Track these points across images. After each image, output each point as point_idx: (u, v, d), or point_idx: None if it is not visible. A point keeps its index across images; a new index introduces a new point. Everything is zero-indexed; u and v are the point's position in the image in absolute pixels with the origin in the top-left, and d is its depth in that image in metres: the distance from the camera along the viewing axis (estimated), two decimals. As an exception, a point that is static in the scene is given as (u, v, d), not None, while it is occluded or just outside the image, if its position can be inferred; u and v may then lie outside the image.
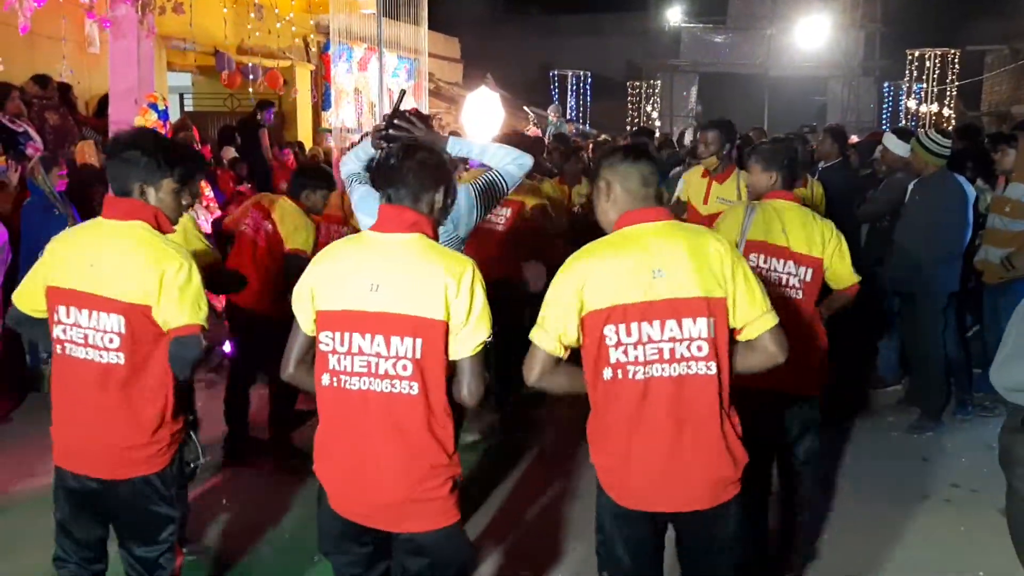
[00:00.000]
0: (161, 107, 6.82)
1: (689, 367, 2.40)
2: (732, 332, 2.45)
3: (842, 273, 3.59)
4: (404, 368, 2.38)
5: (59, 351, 2.73)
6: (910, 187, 5.57)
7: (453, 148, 3.34)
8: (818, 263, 3.51)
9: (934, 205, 5.34)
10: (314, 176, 5.14)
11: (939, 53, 23.29)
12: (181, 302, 2.62)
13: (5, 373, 5.61)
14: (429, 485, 2.42)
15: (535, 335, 2.49)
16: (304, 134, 13.45)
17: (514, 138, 5.23)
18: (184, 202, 2.86)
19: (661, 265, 2.40)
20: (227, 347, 5.04)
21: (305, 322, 2.51)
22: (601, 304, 2.41)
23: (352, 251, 2.50)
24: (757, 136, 10.85)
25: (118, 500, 2.77)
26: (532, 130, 15.50)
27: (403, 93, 3.55)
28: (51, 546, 3.93)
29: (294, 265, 4.79)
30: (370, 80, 13.98)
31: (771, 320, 2.46)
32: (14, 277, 4.97)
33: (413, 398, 2.39)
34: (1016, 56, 21.41)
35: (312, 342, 2.50)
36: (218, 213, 7.25)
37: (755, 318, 2.44)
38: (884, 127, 22.69)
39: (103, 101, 8.36)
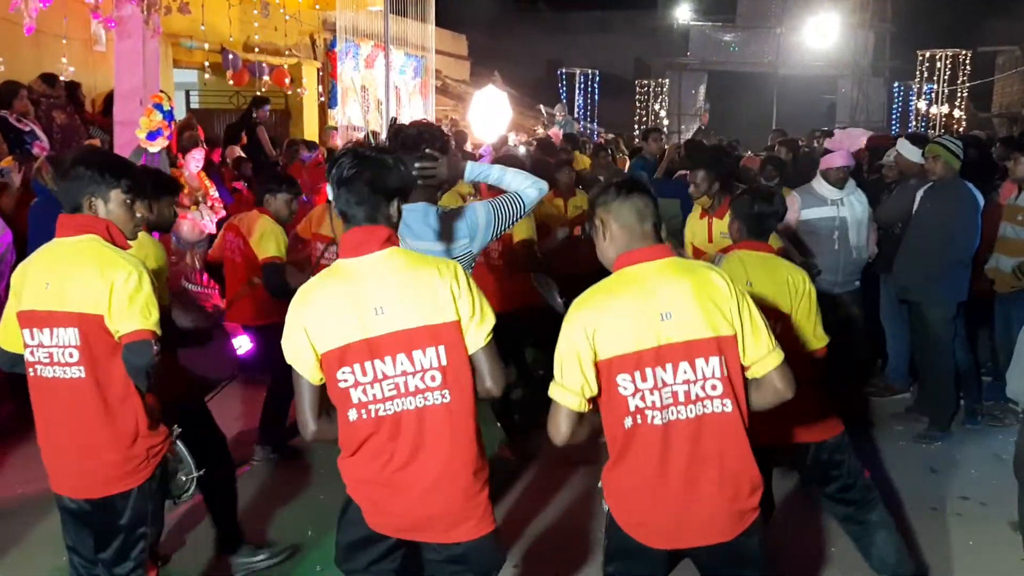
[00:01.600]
0: (166, 107, 6.79)
1: (705, 406, 2.39)
2: (744, 369, 2.44)
3: (806, 333, 3.36)
4: (433, 379, 2.38)
5: (31, 374, 2.76)
6: (919, 194, 5.51)
7: (471, 174, 3.24)
8: (786, 318, 3.32)
9: (947, 212, 5.27)
10: (270, 180, 5.14)
11: (950, 54, 23.15)
12: (130, 309, 2.64)
13: (4, 376, 5.58)
14: (472, 492, 2.44)
15: (556, 393, 2.43)
16: (311, 132, 13.43)
17: (506, 159, 5.16)
18: (138, 214, 2.86)
19: (668, 308, 2.37)
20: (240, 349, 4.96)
21: (310, 371, 2.41)
22: (613, 352, 2.38)
23: (333, 286, 2.42)
24: (775, 139, 10.76)
25: (102, 517, 2.78)
26: (553, 131, 15.37)
27: (394, 122, 3.45)
28: (54, 549, 3.94)
29: (269, 275, 4.79)
30: (377, 77, 13.97)
31: (777, 358, 2.45)
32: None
33: (447, 406, 2.40)
34: (1027, 57, 21.29)
35: (322, 390, 2.44)
36: (223, 213, 7.24)
37: (761, 357, 2.43)
38: (894, 127, 22.62)
39: (109, 99, 8.34)
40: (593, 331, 2.38)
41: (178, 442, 2.88)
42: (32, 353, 2.73)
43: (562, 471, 4.81)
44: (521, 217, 3.28)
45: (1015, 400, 3.87)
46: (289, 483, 4.72)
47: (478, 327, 2.42)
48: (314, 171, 8.92)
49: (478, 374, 2.44)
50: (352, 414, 2.40)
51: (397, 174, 2.47)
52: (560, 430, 2.42)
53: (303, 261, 5.46)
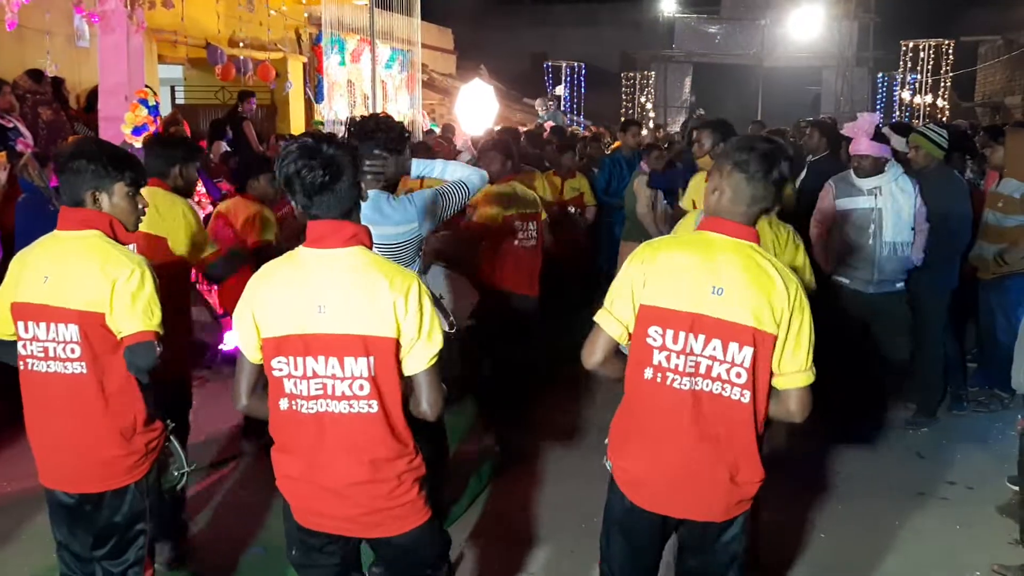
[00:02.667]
0: (151, 103, 6.76)
1: (725, 389, 2.41)
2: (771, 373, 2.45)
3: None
4: (360, 388, 2.34)
5: (23, 367, 2.73)
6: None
7: (416, 170, 3.46)
8: None
9: (939, 200, 5.27)
10: (250, 163, 5.12)
11: (933, 44, 23.27)
12: (132, 309, 2.61)
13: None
14: (397, 493, 2.42)
15: (601, 318, 2.50)
16: (297, 127, 13.37)
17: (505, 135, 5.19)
18: (140, 205, 2.82)
19: (723, 284, 2.38)
20: (226, 345, 4.99)
21: (251, 351, 2.43)
22: (653, 301, 2.43)
23: (290, 273, 2.40)
24: (755, 131, 10.84)
25: (98, 513, 2.76)
26: (548, 124, 15.33)
27: (350, 121, 3.50)
28: (46, 546, 3.92)
29: (264, 257, 4.75)
30: (363, 72, 13.90)
31: (805, 379, 2.44)
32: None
33: (373, 416, 2.36)
34: (1010, 47, 21.42)
35: (260, 370, 2.44)
36: (209, 208, 7.21)
37: (792, 371, 2.43)
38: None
39: (92, 95, 8.29)
40: (648, 274, 2.43)
41: (171, 436, 2.86)
42: (25, 347, 2.70)
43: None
44: (466, 202, 3.57)
45: (1021, 392, 3.90)
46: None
47: (422, 349, 2.36)
48: None
49: (414, 395, 2.41)
50: (283, 403, 2.40)
51: (355, 159, 2.42)
52: (595, 354, 2.49)
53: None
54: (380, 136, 3.34)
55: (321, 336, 2.33)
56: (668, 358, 2.41)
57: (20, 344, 2.71)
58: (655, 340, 2.42)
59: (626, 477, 2.55)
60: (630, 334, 2.47)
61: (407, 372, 2.38)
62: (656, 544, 2.62)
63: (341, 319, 2.32)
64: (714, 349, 2.39)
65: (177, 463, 2.90)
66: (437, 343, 2.39)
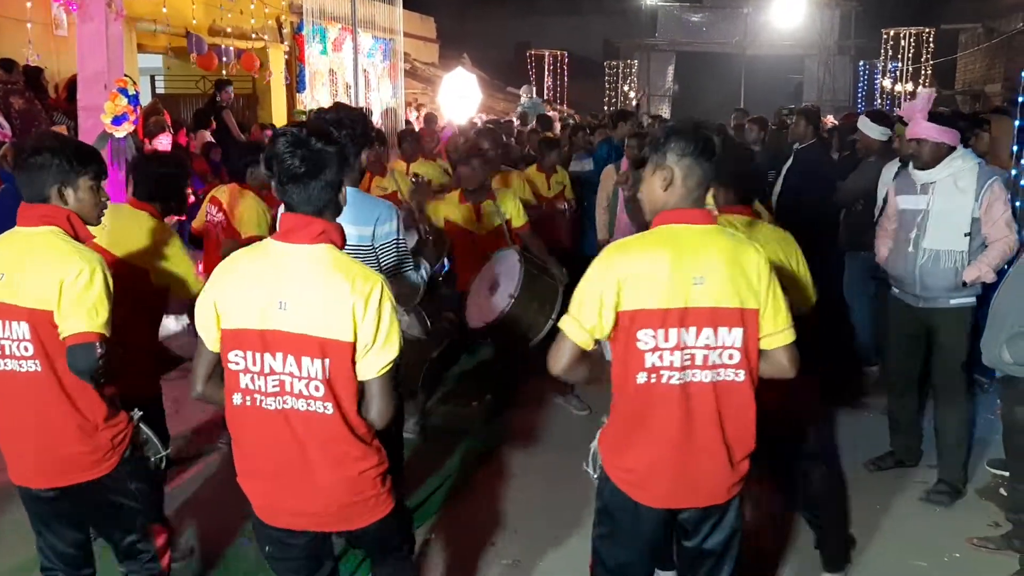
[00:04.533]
0: (131, 92, 6.67)
1: (719, 374, 2.44)
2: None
3: (796, 293, 3.26)
4: (316, 388, 2.31)
5: None
6: (894, 171, 5.53)
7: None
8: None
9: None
10: (250, 151, 5.10)
11: (914, 32, 23.43)
12: (77, 309, 2.56)
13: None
14: (359, 488, 2.42)
15: (566, 325, 2.47)
16: (279, 117, 13.29)
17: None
18: (103, 198, 2.80)
19: (702, 272, 2.39)
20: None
21: (210, 340, 2.39)
22: (638, 305, 2.40)
23: (256, 265, 2.36)
24: (739, 118, 10.88)
25: (77, 504, 2.77)
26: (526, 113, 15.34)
27: (317, 111, 3.47)
28: (24, 542, 3.89)
29: None
30: (345, 61, 13.83)
31: (789, 337, 2.51)
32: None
33: (329, 416, 2.32)
34: (990, 35, 21.56)
35: (218, 359, 2.40)
36: (192, 199, 7.17)
37: (776, 332, 2.48)
38: (860, 106, 22.83)
39: (71, 85, 8.20)
40: (623, 280, 2.39)
41: (140, 424, 2.84)
42: None
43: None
44: (400, 272, 3.41)
45: (992, 367, 3.89)
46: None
47: (375, 355, 2.31)
48: None
49: (364, 402, 2.36)
50: (236, 398, 2.36)
51: (343, 155, 2.39)
52: (561, 362, 2.47)
53: None
54: (346, 122, 3.29)
55: (279, 333, 2.29)
56: (662, 357, 2.40)
57: None
58: (646, 343, 2.40)
59: (630, 478, 2.54)
60: (595, 340, 2.45)
61: (360, 377, 2.33)
62: (665, 538, 2.66)
63: (300, 318, 2.28)
64: (707, 338, 2.40)
65: (152, 448, 2.89)
66: (391, 351, 2.33)
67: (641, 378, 2.42)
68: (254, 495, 2.46)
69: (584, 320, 2.44)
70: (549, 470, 4.65)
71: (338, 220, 2.43)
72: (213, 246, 5.06)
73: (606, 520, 2.64)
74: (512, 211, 5.30)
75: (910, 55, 23.51)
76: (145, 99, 9.88)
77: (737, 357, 2.43)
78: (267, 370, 2.31)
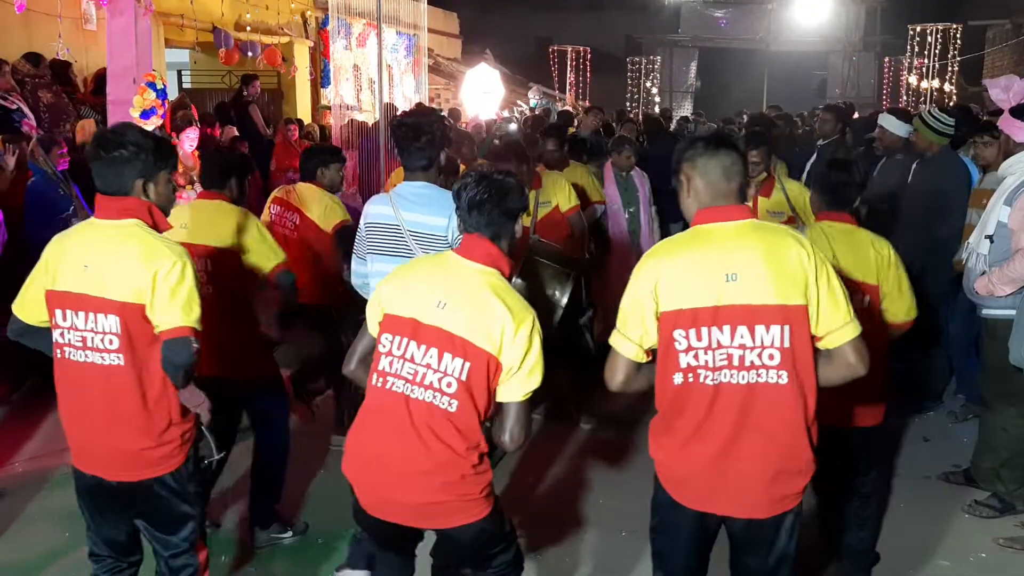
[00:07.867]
0: (159, 86, 6.76)
1: (759, 375, 2.33)
2: (814, 340, 2.36)
3: (896, 304, 3.24)
4: (448, 385, 2.45)
5: (59, 355, 2.70)
6: (913, 167, 5.51)
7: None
8: (874, 290, 3.21)
9: (940, 185, 5.26)
10: (322, 152, 5.13)
11: (940, 28, 23.12)
12: (172, 303, 2.57)
13: (4, 356, 5.61)
14: (461, 491, 2.49)
15: (616, 341, 2.47)
16: (303, 111, 13.38)
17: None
18: (174, 189, 2.85)
19: (735, 269, 2.32)
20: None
21: (373, 325, 2.62)
22: (672, 306, 2.36)
23: (429, 269, 2.62)
24: (772, 114, 10.80)
25: (136, 499, 2.76)
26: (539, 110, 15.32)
27: (393, 109, 3.55)
28: (55, 527, 3.97)
29: (346, 237, 4.67)
30: (368, 56, 13.87)
31: (853, 330, 2.36)
32: (10, 259, 4.97)
33: (451, 414, 2.45)
34: (1018, 31, 21.27)
35: (373, 344, 2.60)
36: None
37: (837, 327, 2.35)
38: (884, 102, 22.60)
39: (99, 79, 8.29)
40: (656, 282, 2.38)
41: (202, 425, 2.85)
42: (62, 335, 2.65)
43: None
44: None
45: (1019, 367, 3.84)
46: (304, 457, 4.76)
47: (519, 381, 2.47)
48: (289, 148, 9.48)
49: (499, 422, 2.51)
50: (375, 379, 2.54)
51: (522, 194, 2.64)
52: (616, 377, 2.49)
53: None
54: (425, 128, 3.39)
55: (432, 327, 2.47)
56: (696, 356, 2.34)
57: (57, 332, 2.67)
58: (680, 343, 2.35)
59: (668, 474, 2.52)
60: (646, 350, 2.44)
61: (499, 399, 2.49)
62: (699, 540, 2.55)
63: (455, 319, 2.45)
64: (742, 337, 2.31)
65: (206, 450, 2.90)
66: (535, 380, 2.49)
67: (678, 379, 2.38)
68: (354, 477, 2.60)
69: (630, 332, 2.43)
70: (576, 458, 4.66)
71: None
72: (283, 247, 5.05)
73: (655, 512, 2.61)
74: (560, 197, 5.28)
75: (936, 51, 23.22)
76: (172, 94, 9.97)
77: (778, 358, 2.31)
78: (408, 356, 2.49)
